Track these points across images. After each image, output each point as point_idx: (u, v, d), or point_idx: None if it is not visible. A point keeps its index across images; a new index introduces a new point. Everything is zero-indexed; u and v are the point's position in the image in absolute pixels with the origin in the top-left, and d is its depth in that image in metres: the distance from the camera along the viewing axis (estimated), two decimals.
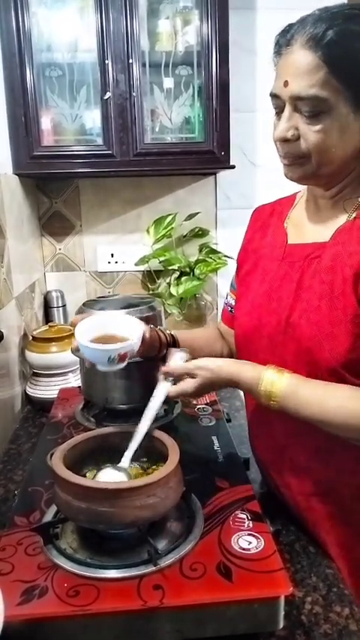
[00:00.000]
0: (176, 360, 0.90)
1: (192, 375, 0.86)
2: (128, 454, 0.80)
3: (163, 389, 0.88)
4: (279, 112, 0.81)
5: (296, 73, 0.75)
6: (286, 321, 0.87)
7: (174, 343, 1.00)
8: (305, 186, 0.95)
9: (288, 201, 1.01)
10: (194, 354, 0.95)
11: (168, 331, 1.00)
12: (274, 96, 0.81)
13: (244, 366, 0.85)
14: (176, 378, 0.88)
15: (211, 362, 0.87)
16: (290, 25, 0.80)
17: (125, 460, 0.79)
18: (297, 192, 1.01)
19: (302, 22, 0.78)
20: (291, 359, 0.85)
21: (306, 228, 0.92)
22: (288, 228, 0.95)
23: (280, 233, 0.96)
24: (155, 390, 0.88)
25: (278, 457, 0.93)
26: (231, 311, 1.08)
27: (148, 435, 0.82)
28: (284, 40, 0.79)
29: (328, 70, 0.73)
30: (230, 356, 1.11)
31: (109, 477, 0.76)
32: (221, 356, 1.10)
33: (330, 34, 0.73)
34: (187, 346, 0.98)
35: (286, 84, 0.77)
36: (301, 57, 0.75)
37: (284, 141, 0.80)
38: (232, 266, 1.87)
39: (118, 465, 0.79)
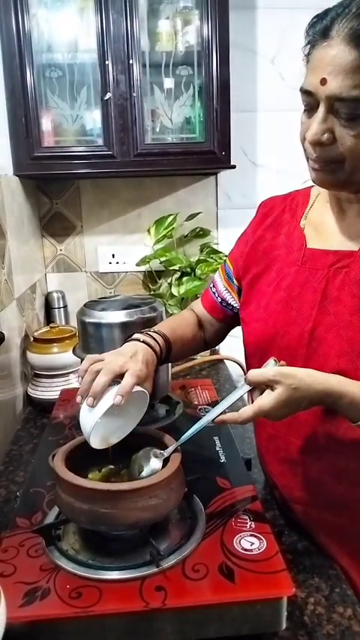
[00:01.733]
0: (266, 366, 0.75)
1: (272, 386, 0.70)
2: (176, 443, 0.77)
3: (238, 392, 0.77)
4: (309, 109, 0.74)
5: (337, 70, 0.67)
6: (310, 334, 0.82)
7: (167, 347, 0.90)
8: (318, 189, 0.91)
9: (302, 198, 0.94)
10: (180, 341, 0.90)
11: (156, 334, 0.89)
12: (307, 92, 0.72)
13: (343, 377, 0.73)
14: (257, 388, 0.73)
15: (301, 370, 0.72)
16: (327, 12, 0.71)
17: (170, 449, 0.77)
18: (310, 187, 0.94)
19: (343, 10, 0.68)
20: None
21: (328, 233, 0.86)
22: (305, 229, 0.89)
23: (297, 235, 0.89)
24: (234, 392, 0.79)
25: (289, 470, 0.89)
26: (222, 303, 1.04)
27: (149, 436, 0.82)
28: (320, 30, 0.70)
29: None
30: (207, 344, 1.08)
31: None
32: (202, 342, 1.07)
33: None
34: (173, 338, 0.91)
35: (323, 82, 0.68)
36: (344, 53, 0.66)
37: (317, 144, 0.73)
38: None
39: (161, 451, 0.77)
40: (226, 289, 1.04)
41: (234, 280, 1.02)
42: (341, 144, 0.72)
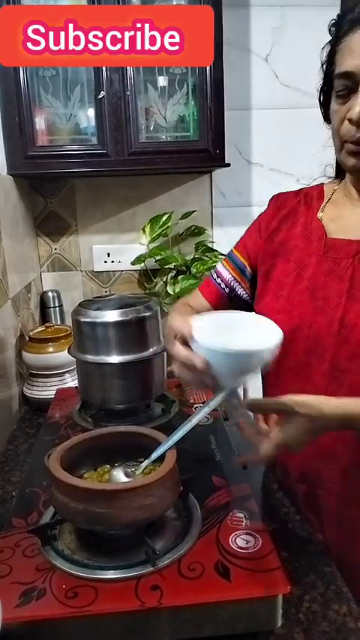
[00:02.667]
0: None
1: (288, 416, 0.69)
2: (151, 457, 0.76)
3: (216, 401, 0.76)
4: (345, 93, 0.77)
5: None
6: (340, 323, 0.82)
7: None
8: (332, 182, 0.94)
9: (317, 193, 0.96)
10: None
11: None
12: (346, 75, 0.76)
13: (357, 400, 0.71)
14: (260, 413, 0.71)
15: (315, 398, 0.69)
16: (355, 4, 0.75)
17: (143, 465, 0.77)
18: (322, 185, 0.97)
19: None
20: (344, 362, 0.82)
21: (349, 224, 0.87)
22: (323, 221, 0.90)
23: (315, 226, 0.91)
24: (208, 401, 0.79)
25: (321, 463, 0.88)
26: (229, 294, 1.01)
27: (145, 435, 0.82)
28: (354, 19, 0.74)
29: None
30: None
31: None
32: None
33: None
34: None
35: None
36: None
37: None
38: None
39: (133, 469, 0.78)
40: (235, 279, 1.01)
41: (246, 271, 1.00)
42: None
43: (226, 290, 1.03)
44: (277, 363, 0.90)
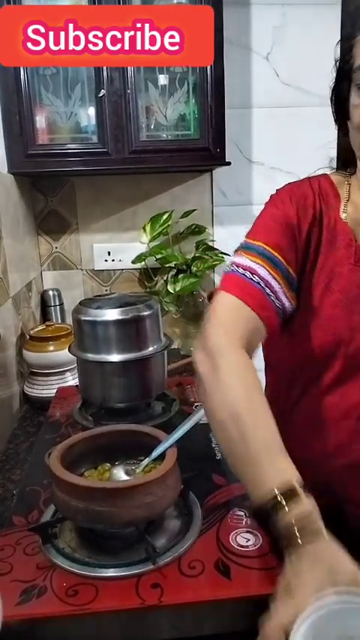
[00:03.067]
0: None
1: None
2: (152, 456, 0.77)
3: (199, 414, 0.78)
4: None
5: None
6: None
7: None
8: (336, 173, 0.88)
9: (329, 187, 0.86)
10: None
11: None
12: None
13: None
14: None
15: None
16: None
17: (143, 463, 0.78)
18: (327, 176, 0.88)
19: None
20: None
21: None
22: (349, 223, 0.82)
23: (341, 229, 0.82)
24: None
25: (355, 476, 0.83)
26: (269, 296, 0.77)
27: (145, 434, 0.82)
28: None
29: None
30: None
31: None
32: None
33: None
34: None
35: None
36: None
37: None
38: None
39: (134, 467, 0.78)
40: (273, 277, 0.78)
41: (287, 272, 0.80)
42: None
43: (276, 304, 0.79)
44: (305, 385, 0.84)
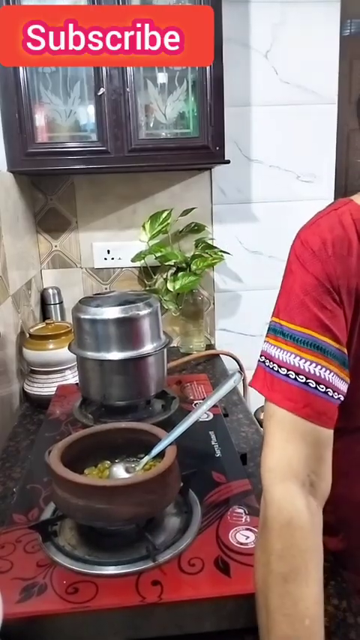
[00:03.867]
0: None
1: None
2: (152, 454, 0.77)
3: (215, 398, 0.81)
4: None
5: None
6: None
7: None
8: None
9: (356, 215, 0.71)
10: None
11: None
12: None
13: None
14: None
15: None
16: None
17: (143, 461, 0.78)
18: (352, 201, 0.73)
19: None
20: None
21: None
22: None
23: None
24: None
25: None
26: (325, 394, 0.66)
27: (145, 431, 0.82)
28: None
29: None
30: None
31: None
32: None
33: None
34: None
35: None
36: None
37: None
38: (228, 260, 1.88)
39: (134, 465, 0.79)
40: (341, 378, 0.68)
41: (345, 357, 0.69)
42: None
43: (338, 398, 0.68)
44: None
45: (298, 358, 0.66)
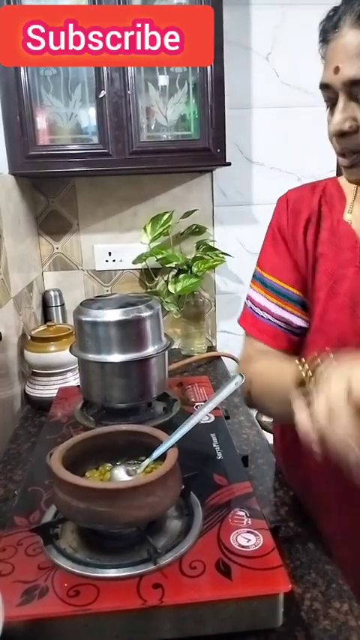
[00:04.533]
0: None
1: None
2: (153, 456, 0.77)
3: (216, 400, 0.82)
4: (331, 105, 0.73)
5: (349, 55, 0.67)
6: None
7: None
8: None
9: (335, 189, 0.85)
10: None
11: None
12: (325, 86, 0.73)
13: None
14: None
15: None
16: (335, 9, 0.72)
17: (144, 464, 0.78)
18: (336, 179, 0.87)
19: (349, 2, 0.69)
20: None
21: None
22: (353, 225, 0.80)
23: (344, 230, 0.81)
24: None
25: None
26: (285, 328, 0.87)
27: (146, 434, 0.82)
28: (330, 25, 0.71)
29: None
30: None
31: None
32: None
33: None
34: None
35: (337, 70, 0.69)
36: (353, 38, 0.67)
37: (341, 135, 0.70)
38: (230, 262, 1.88)
39: (135, 468, 0.78)
40: (283, 308, 0.86)
41: (290, 293, 0.86)
42: None
43: (281, 324, 0.87)
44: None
45: (268, 301, 0.87)
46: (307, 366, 0.63)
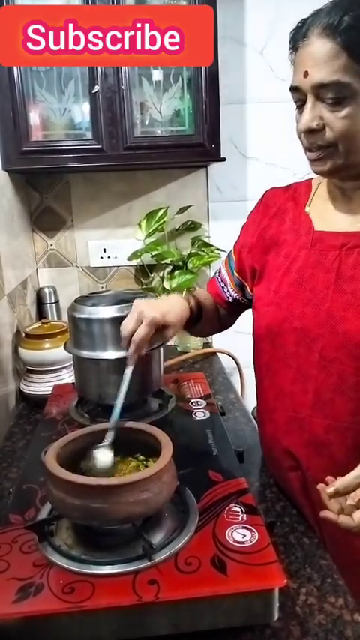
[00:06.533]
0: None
1: None
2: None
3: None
4: (300, 105, 0.81)
5: (316, 62, 0.75)
6: (327, 313, 0.84)
7: (199, 309, 1.02)
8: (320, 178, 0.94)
9: (305, 188, 0.98)
10: (205, 311, 1.03)
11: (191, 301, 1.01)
12: (295, 89, 0.81)
13: None
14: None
15: None
16: (304, 20, 0.80)
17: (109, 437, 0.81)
18: (311, 179, 0.99)
19: (316, 14, 0.78)
20: (332, 353, 0.84)
21: (335, 218, 0.90)
22: (311, 214, 0.93)
23: (303, 219, 0.93)
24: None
25: (315, 452, 0.89)
26: (226, 293, 1.09)
27: (141, 431, 0.82)
28: (300, 34, 0.79)
29: (349, 55, 0.73)
30: (221, 326, 1.15)
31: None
32: (218, 322, 1.13)
33: (347, 20, 0.73)
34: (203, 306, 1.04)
35: (306, 74, 0.77)
36: (320, 46, 0.75)
37: (309, 132, 0.79)
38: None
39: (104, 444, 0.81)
40: (229, 279, 1.09)
41: (234, 273, 1.07)
42: (331, 128, 0.78)
43: (223, 287, 1.10)
44: (268, 354, 0.94)
45: (225, 273, 1.10)
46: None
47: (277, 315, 0.91)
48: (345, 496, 0.71)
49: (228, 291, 1.09)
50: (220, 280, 1.11)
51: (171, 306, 0.94)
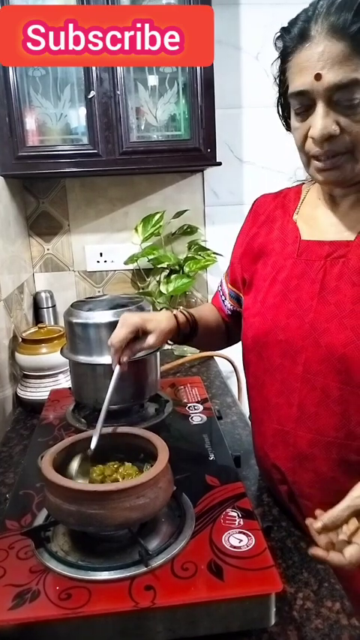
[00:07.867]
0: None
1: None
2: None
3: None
4: (303, 111, 0.76)
5: (330, 63, 0.70)
6: (311, 325, 0.82)
7: (194, 322, 1.00)
8: (311, 181, 0.92)
9: (294, 194, 0.96)
10: (204, 326, 1.02)
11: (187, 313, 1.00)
12: (300, 94, 0.75)
13: None
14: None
15: None
16: (296, 19, 0.76)
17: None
18: (301, 185, 0.97)
19: (316, 12, 0.72)
20: (316, 365, 0.81)
21: (321, 226, 0.87)
22: (298, 223, 0.90)
23: (291, 228, 0.91)
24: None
25: (299, 466, 0.87)
26: (225, 302, 1.09)
27: (138, 436, 0.82)
28: (297, 35, 0.74)
29: None
30: (228, 340, 1.12)
31: None
32: (225, 336, 1.11)
33: (358, 20, 0.69)
34: (200, 322, 1.02)
35: (318, 77, 0.71)
36: (332, 47, 0.70)
37: (327, 138, 0.73)
38: (222, 262, 1.88)
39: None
40: (227, 291, 1.08)
41: (228, 285, 1.07)
42: (348, 132, 0.73)
43: (229, 307, 1.08)
44: (255, 366, 0.93)
45: (225, 287, 1.09)
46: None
47: (262, 327, 0.89)
48: (335, 530, 0.68)
49: (227, 304, 1.09)
50: (221, 293, 1.11)
51: (154, 316, 0.94)
